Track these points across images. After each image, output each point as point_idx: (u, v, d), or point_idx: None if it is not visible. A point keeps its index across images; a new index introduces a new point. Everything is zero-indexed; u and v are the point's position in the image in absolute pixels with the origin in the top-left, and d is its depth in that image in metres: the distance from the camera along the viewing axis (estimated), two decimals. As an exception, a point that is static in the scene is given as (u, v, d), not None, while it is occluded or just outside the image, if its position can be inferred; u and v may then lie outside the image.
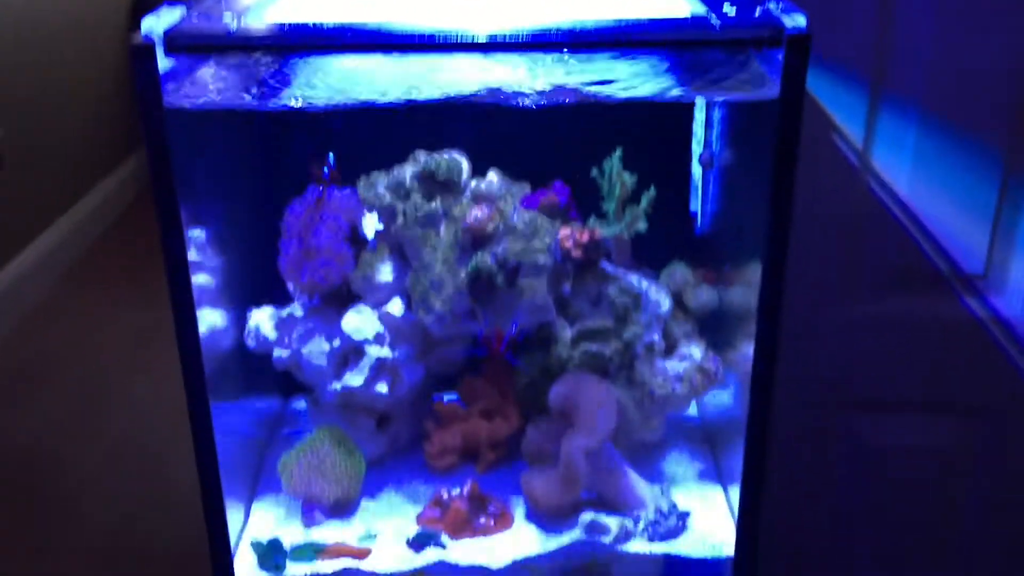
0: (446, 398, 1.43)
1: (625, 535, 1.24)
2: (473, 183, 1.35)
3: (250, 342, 1.34)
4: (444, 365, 1.39)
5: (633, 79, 1.09)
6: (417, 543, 1.25)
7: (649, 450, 1.40)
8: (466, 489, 1.28)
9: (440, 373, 1.41)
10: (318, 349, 1.31)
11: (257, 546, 1.23)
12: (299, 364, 1.33)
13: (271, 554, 1.23)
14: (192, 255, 1.08)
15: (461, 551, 1.24)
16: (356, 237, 1.35)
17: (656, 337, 1.34)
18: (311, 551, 1.23)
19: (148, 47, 0.96)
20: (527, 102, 1.08)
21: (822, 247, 1.44)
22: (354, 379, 1.30)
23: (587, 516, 1.25)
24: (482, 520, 1.27)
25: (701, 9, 1.09)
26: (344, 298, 1.34)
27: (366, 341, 1.30)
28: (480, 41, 1.01)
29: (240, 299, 1.33)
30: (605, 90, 1.08)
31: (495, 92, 1.07)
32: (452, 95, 1.08)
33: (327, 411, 1.36)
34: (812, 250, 1.39)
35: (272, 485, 1.35)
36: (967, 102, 1.35)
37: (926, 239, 1.44)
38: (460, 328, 1.31)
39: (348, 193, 1.33)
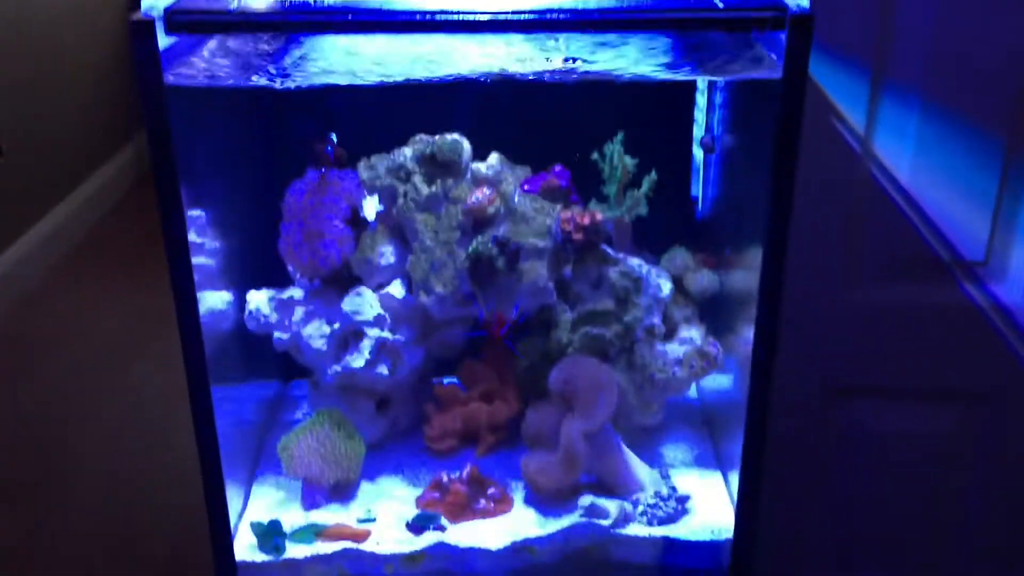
0: (446, 381, 1.43)
1: (624, 518, 1.24)
2: (474, 166, 1.35)
3: (250, 324, 1.33)
4: (444, 348, 1.39)
5: (637, 59, 1.09)
6: (416, 526, 1.25)
7: (649, 434, 1.40)
8: (466, 472, 1.28)
9: (440, 356, 1.41)
10: (318, 331, 1.31)
11: (257, 527, 1.24)
12: (299, 346, 1.33)
13: (271, 535, 1.23)
14: (192, 237, 1.08)
15: (460, 534, 1.24)
16: (356, 219, 1.34)
17: (656, 321, 1.34)
18: (311, 533, 1.24)
19: (148, 24, 0.96)
20: (529, 82, 1.08)
21: (823, 233, 1.44)
22: (354, 361, 1.30)
23: (586, 499, 1.25)
24: (482, 503, 1.27)
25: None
26: (344, 280, 1.34)
27: (366, 323, 1.30)
28: (482, 21, 1.00)
29: (240, 282, 1.33)
30: (607, 69, 1.07)
31: (498, 73, 1.07)
32: (454, 75, 1.08)
33: (327, 394, 1.36)
34: (812, 236, 1.39)
35: (272, 468, 1.35)
36: (969, 89, 1.34)
37: (927, 226, 1.44)
38: (460, 311, 1.31)
39: (349, 175, 1.33)
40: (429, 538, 1.23)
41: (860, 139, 1.40)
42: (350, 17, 1.01)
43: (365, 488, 1.33)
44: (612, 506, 1.24)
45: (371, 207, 1.36)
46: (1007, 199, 1.40)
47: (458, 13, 1.00)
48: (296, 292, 1.35)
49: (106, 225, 3.13)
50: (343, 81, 1.09)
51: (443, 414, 1.38)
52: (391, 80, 1.08)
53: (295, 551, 1.22)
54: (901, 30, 1.32)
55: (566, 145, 1.37)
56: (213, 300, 1.21)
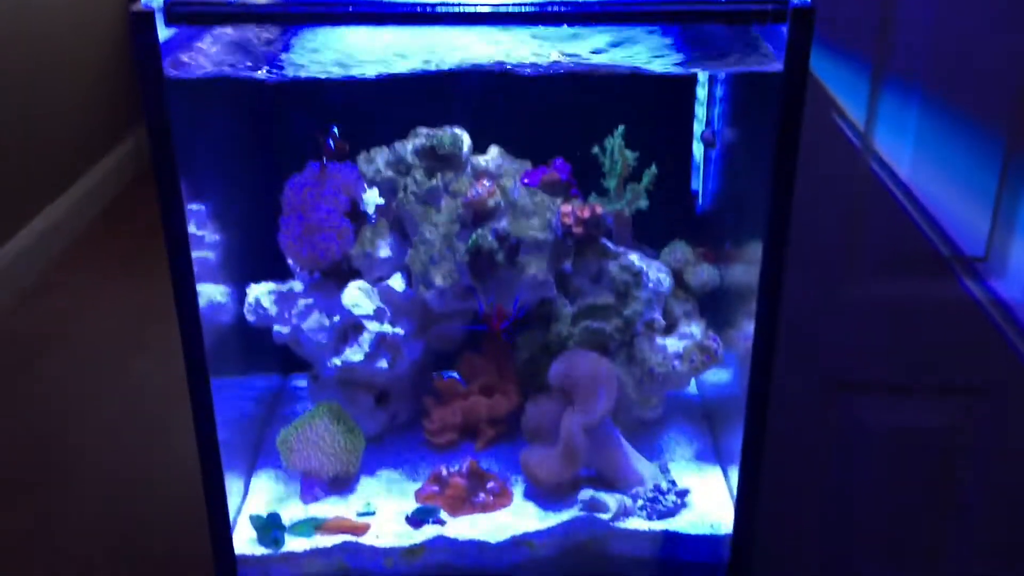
0: (446, 375, 1.43)
1: (624, 512, 1.24)
2: (474, 159, 1.34)
3: (250, 317, 1.33)
4: (444, 342, 1.39)
5: (638, 52, 1.08)
6: (416, 519, 1.25)
7: (648, 428, 1.40)
8: (465, 466, 1.28)
9: (440, 350, 1.41)
10: (318, 325, 1.31)
11: (256, 520, 1.24)
12: (299, 340, 1.33)
13: (270, 529, 1.23)
14: (192, 230, 1.08)
15: (460, 527, 1.24)
16: (356, 212, 1.34)
17: (656, 315, 1.34)
18: (310, 526, 1.24)
19: (148, 15, 0.96)
20: (528, 73, 1.07)
21: (822, 228, 1.43)
22: (354, 355, 1.30)
23: (586, 493, 1.25)
24: (481, 497, 1.27)
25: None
26: (344, 274, 1.34)
27: (366, 317, 1.30)
28: (482, 13, 1.00)
29: (240, 275, 1.33)
30: (607, 62, 1.07)
31: (498, 65, 1.07)
32: (454, 67, 1.07)
33: (327, 387, 1.36)
34: (812, 231, 1.39)
35: (271, 461, 1.35)
36: (969, 84, 1.34)
37: (927, 221, 1.44)
38: (460, 304, 1.31)
39: (348, 168, 1.33)
40: (428, 532, 1.23)
41: (860, 135, 1.40)
42: (350, 8, 1.01)
43: (364, 482, 1.33)
44: (612, 500, 1.24)
45: (371, 200, 1.36)
46: (1007, 195, 1.40)
47: (458, 5, 0.99)
48: (296, 285, 1.35)
49: (105, 220, 3.13)
50: (341, 73, 1.08)
51: (443, 408, 1.38)
52: (391, 72, 1.08)
53: (294, 544, 1.22)
54: (902, 25, 1.32)
55: (566, 138, 1.37)
56: (213, 293, 1.21)
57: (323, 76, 1.09)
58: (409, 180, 1.31)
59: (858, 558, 1.64)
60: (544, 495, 1.28)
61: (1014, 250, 1.43)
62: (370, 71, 1.09)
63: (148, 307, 2.50)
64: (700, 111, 1.44)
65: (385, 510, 1.27)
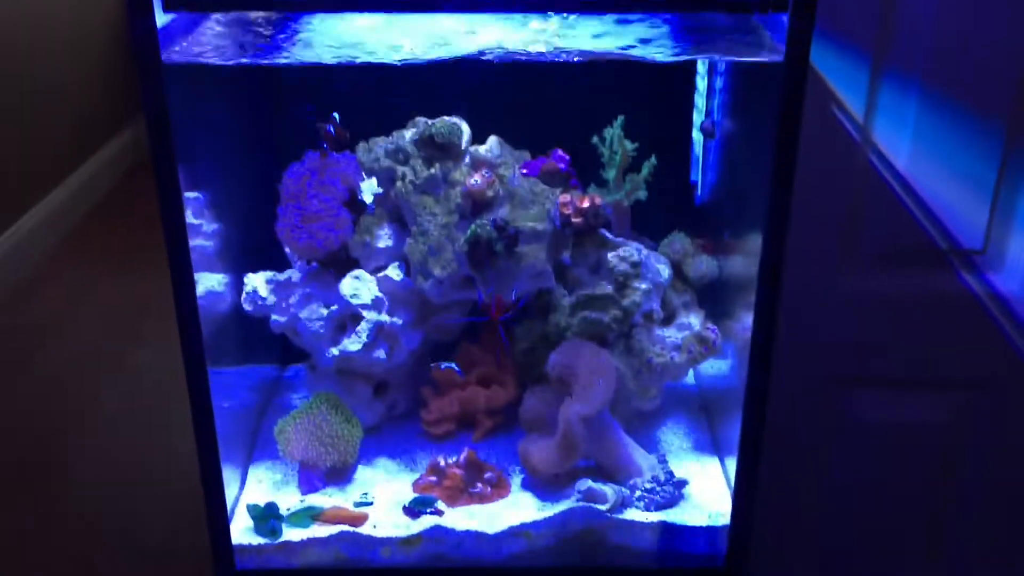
0: (444, 365, 1.42)
1: (622, 503, 1.24)
2: (473, 149, 1.34)
3: (247, 306, 1.33)
4: (442, 332, 1.39)
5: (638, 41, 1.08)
6: (413, 509, 1.25)
7: (646, 419, 1.40)
8: (463, 456, 1.28)
9: (438, 340, 1.41)
10: (316, 314, 1.31)
11: (253, 510, 1.23)
12: (296, 329, 1.32)
13: (267, 518, 1.23)
14: (190, 219, 1.07)
15: (457, 518, 1.24)
16: (355, 202, 1.34)
17: (655, 306, 1.34)
18: (307, 516, 1.23)
19: (146, 1, 0.95)
20: (528, 64, 1.07)
21: (821, 221, 1.43)
22: (352, 345, 1.29)
23: (584, 484, 1.25)
24: (479, 487, 1.27)
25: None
26: (342, 263, 1.34)
27: (364, 306, 1.30)
28: (480, 0, 1.00)
29: (238, 264, 1.33)
30: (606, 51, 1.07)
31: (499, 52, 1.06)
32: (455, 56, 1.07)
33: (325, 377, 1.35)
34: (810, 224, 1.39)
35: (269, 451, 1.35)
36: (969, 77, 1.34)
37: (925, 214, 1.43)
38: (458, 294, 1.31)
39: (347, 158, 1.33)
40: (426, 522, 1.23)
41: (859, 127, 1.40)
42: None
43: (362, 472, 1.33)
44: (609, 491, 1.24)
45: (369, 190, 1.36)
46: (1006, 187, 1.40)
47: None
48: (294, 274, 1.34)
49: (101, 212, 3.12)
50: (339, 60, 1.08)
51: (441, 398, 1.38)
52: (390, 61, 1.08)
53: (292, 534, 1.22)
54: (902, 17, 1.32)
55: (566, 129, 1.37)
56: (210, 283, 1.20)
57: (322, 63, 1.08)
58: (408, 169, 1.31)
59: (856, 551, 1.65)
60: (542, 486, 1.28)
61: (1012, 243, 1.43)
62: (370, 59, 1.08)
63: (145, 299, 2.49)
64: (700, 102, 1.44)
65: (383, 500, 1.27)
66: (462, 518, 1.23)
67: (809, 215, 1.34)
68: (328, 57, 1.08)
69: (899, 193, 1.42)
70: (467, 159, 1.33)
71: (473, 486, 1.27)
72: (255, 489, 1.30)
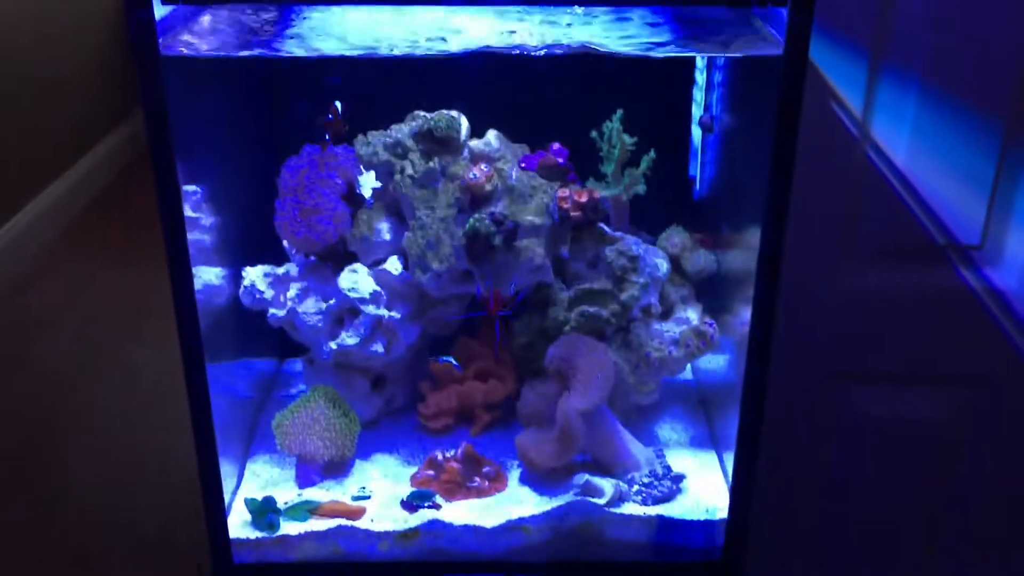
0: (442, 359, 1.42)
1: (619, 497, 1.24)
2: (471, 143, 1.34)
3: (245, 299, 1.33)
4: (440, 326, 1.38)
5: (637, 35, 1.08)
6: (411, 503, 1.25)
7: (644, 413, 1.40)
8: (461, 450, 1.28)
9: (436, 334, 1.40)
10: (314, 308, 1.31)
11: (251, 504, 1.23)
12: (294, 323, 1.32)
13: (265, 512, 1.22)
14: (188, 212, 1.07)
15: (455, 512, 1.23)
16: (353, 196, 1.34)
17: (653, 300, 1.34)
18: (305, 510, 1.23)
19: (144, -7, 0.95)
20: (526, 58, 1.07)
21: (820, 216, 1.44)
22: (350, 338, 1.29)
23: (581, 478, 1.25)
24: (476, 481, 1.27)
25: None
26: (340, 257, 1.34)
27: (362, 300, 1.29)
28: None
29: (236, 258, 1.32)
30: (606, 45, 1.07)
31: (497, 47, 1.06)
32: (453, 51, 1.07)
33: (322, 371, 1.35)
34: (809, 219, 1.39)
35: (267, 445, 1.35)
36: (967, 73, 1.34)
37: (924, 209, 1.44)
38: (457, 288, 1.31)
39: (345, 151, 1.32)
40: (424, 516, 1.23)
41: (858, 123, 1.40)
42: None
43: (360, 466, 1.33)
44: (607, 485, 1.24)
45: (368, 183, 1.35)
46: (1004, 183, 1.40)
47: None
48: (292, 268, 1.34)
49: (101, 206, 3.11)
50: (338, 53, 1.08)
51: (438, 392, 1.38)
52: (388, 55, 1.08)
53: (289, 528, 1.22)
54: (900, 14, 1.32)
55: (564, 123, 1.37)
56: (208, 276, 1.20)
57: (320, 57, 1.08)
58: (406, 163, 1.31)
59: (853, 545, 1.65)
60: (540, 480, 1.28)
61: (1009, 238, 1.43)
62: (369, 53, 1.08)
63: (144, 293, 2.49)
64: (698, 96, 1.44)
65: (380, 494, 1.27)
66: (460, 512, 1.23)
67: (808, 211, 1.34)
68: (327, 50, 1.07)
69: (897, 189, 1.42)
70: (466, 153, 1.33)
71: (471, 480, 1.27)
72: (253, 483, 1.30)
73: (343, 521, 1.22)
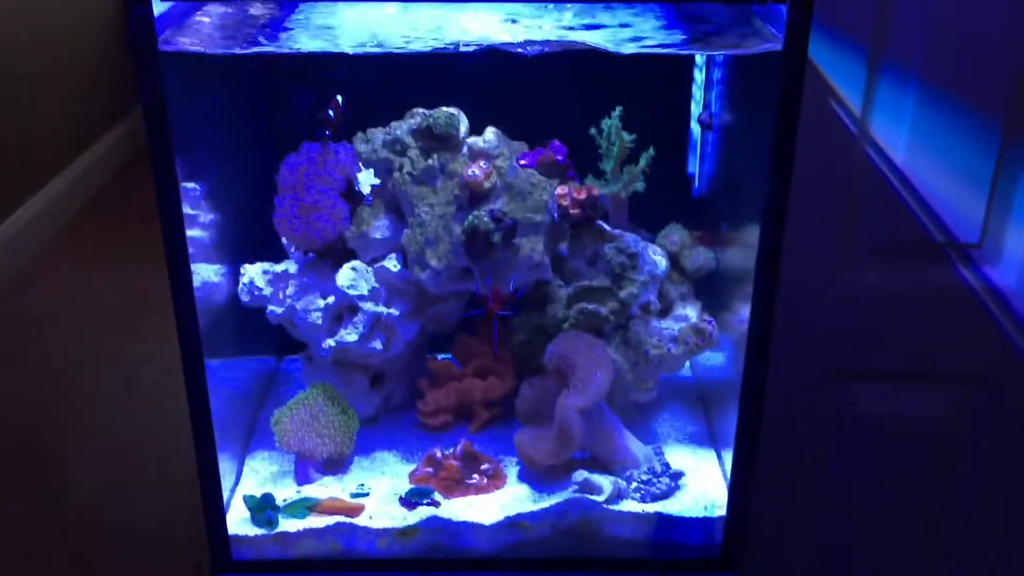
0: (440, 356, 1.42)
1: (618, 495, 1.24)
2: (470, 140, 1.34)
3: (244, 297, 1.33)
4: (439, 323, 1.39)
5: (636, 32, 1.08)
6: (410, 500, 1.25)
7: (643, 411, 1.40)
8: (459, 448, 1.28)
9: (435, 331, 1.40)
10: (312, 305, 1.31)
11: (250, 501, 1.23)
12: (293, 320, 1.32)
13: (264, 509, 1.22)
14: (186, 210, 1.07)
15: (454, 509, 1.24)
16: (352, 193, 1.33)
17: (652, 298, 1.34)
18: (304, 507, 1.23)
19: (143, -11, 0.95)
20: (526, 55, 1.07)
21: (818, 214, 1.43)
22: (348, 335, 1.29)
23: (580, 475, 1.25)
24: (475, 478, 1.27)
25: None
26: (339, 254, 1.34)
27: (361, 297, 1.30)
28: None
29: (235, 255, 1.32)
30: (605, 43, 1.07)
31: (497, 43, 1.06)
32: (452, 47, 1.07)
33: (321, 368, 1.35)
34: (808, 217, 1.39)
35: (266, 442, 1.35)
36: (967, 71, 1.34)
37: (923, 207, 1.44)
38: (456, 286, 1.31)
39: (344, 148, 1.32)
40: (422, 513, 1.23)
41: (857, 121, 1.40)
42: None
43: (359, 463, 1.33)
44: (606, 482, 1.24)
45: (366, 180, 1.35)
46: (1003, 181, 1.40)
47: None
48: (291, 266, 1.34)
49: (99, 204, 3.11)
50: (337, 50, 1.08)
51: (437, 389, 1.38)
52: (387, 51, 1.08)
53: (288, 525, 1.22)
54: (899, 11, 1.32)
55: (564, 120, 1.37)
56: (207, 274, 1.20)
57: (321, 53, 1.08)
58: (405, 160, 1.31)
59: (852, 543, 1.65)
60: (538, 477, 1.28)
61: (1009, 237, 1.43)
62: (369, 50, 1.08)
63: (142, 291, 2.49)
64: (698, 93, 1.44)
65: (379, 491, 1.27)
66: (459, 509, 1.23)
67: (807, 208, 1.34)
68: (327, 47, 1.07)
69: (896, 187, 1.42)
70: (465, 150, 1.33)
71: (470, 477, 1.27)
72: (251, 480, 1.30)
73: (342, 518, 1.22)
